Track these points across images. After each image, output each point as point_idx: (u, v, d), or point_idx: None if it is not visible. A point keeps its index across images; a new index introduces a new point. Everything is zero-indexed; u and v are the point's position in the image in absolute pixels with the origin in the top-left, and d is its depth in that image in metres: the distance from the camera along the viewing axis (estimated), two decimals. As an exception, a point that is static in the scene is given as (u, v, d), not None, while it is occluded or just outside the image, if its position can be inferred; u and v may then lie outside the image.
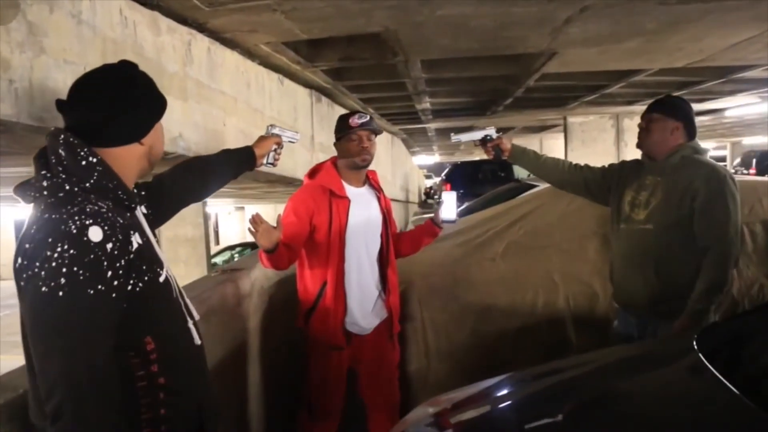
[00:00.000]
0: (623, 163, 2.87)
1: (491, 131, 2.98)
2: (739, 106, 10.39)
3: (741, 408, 1.47)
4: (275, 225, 2.30)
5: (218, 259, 14.81)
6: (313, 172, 2.71)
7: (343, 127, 2.62)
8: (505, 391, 2.06)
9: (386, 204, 2.80)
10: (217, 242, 23.95)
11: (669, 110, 2.60)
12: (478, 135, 3.00)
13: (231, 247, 17.18)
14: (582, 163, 2.99)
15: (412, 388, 3.17)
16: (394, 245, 2.81)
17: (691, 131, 2.60)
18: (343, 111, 7.80)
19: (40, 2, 2.15)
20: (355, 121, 2.62)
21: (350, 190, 2.65)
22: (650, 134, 2.61)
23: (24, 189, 1.35)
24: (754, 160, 17.93)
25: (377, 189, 2.79)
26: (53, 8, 2.23)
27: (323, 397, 2.65)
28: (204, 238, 8.99)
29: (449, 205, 2.77)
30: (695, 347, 1.82)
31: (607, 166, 2.93)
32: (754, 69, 6.40)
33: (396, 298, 2.78)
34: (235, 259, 13.55)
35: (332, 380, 2.63)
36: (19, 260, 1.26)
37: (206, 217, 10.57)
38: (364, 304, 2.66)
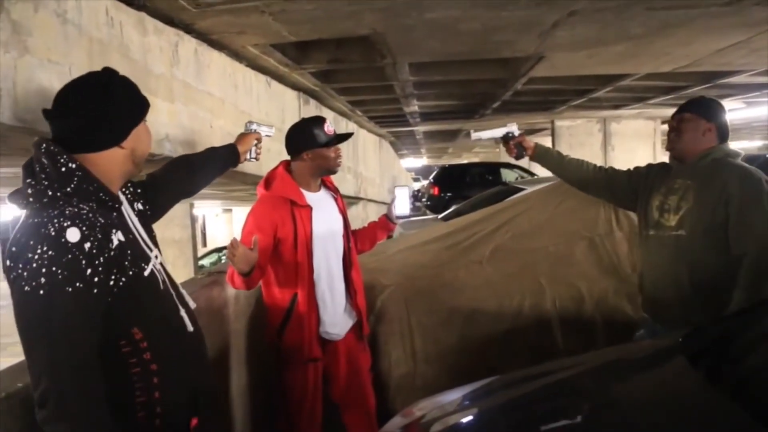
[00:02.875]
0: (650, 166, 2.73)
1: (513, 128, 2.89)
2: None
3: (726, 410, 1.48)
4: (251, 247, 2.22)
5: (205, 261, 14.75)
6: (267, 182, 2.59)
7: (319, 137, 2.53)
8: (487, 397, 2.05)
9: (343, 205, 2.76)
10: (204, 244, 23.80)
11: (702, 110, 2.47)
12: (499, 132, 2.91)
13: (218, 249, 17.07)
14: (607, 166, 2.89)
15: (400, 392, 3.15)
16: (354, 243, 2.78)
17: (723, 134, 2.47)
18: (332, 113, 7.83)
19: (24, 1, 2.13)
20: (330, 129, 2.56)
21: (309, 197, 2.57)
22: (681, 134, 2.47)
23: (16, 197, 1.43)
24: (739, 165, 18.07)
25: (333, 190, 2.74)
26: (38, 7, 2.20)
27: (303, 411, 2.59)
28: (191, 240, 8.94)
29: (402, 201, 2.79)
30: (681, 350, 1.82)
31: (633, 168, 2.79)
32: (740, 74, 6.47)
33: (362, 298, 2.74)
34: (222, 262, 13.50)
35: (311, 393, 2.58)
36: (7, 262, 1.35)
37: (193, 219, 10.51)
38: (336, 309, 2.62)
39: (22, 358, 1.75)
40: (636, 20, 3.99)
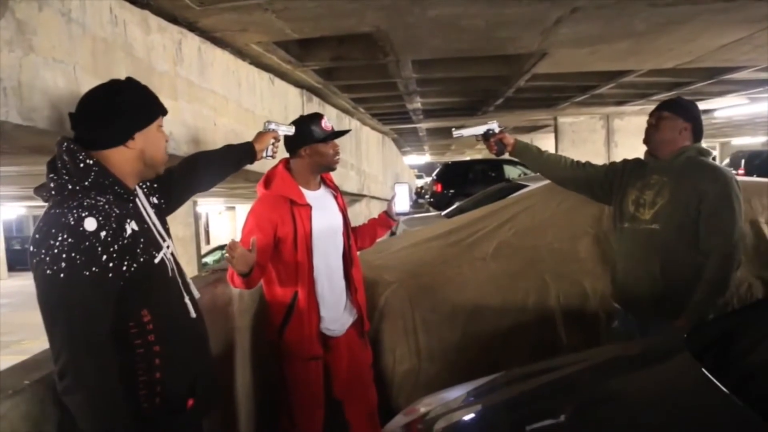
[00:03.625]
0: (625, 161, 2.83)
1: (494, 125, 2.91)
2: (728, 107, 10.47)
3: (730, 407, 1.48)
4: (249, 248, 2.22)
5: (209, 259, 14.78)
6: (267, 181, 2.60)
7: (315, 133, 2.54)
8: (491, 393, 2.06)
9: (343, 203, 2.76)
10: (208, 242, 23.86)
11: (679, 110, 2.60)
12: (480, 130, 2.93)
13: (221, 247, 17.09)
14: (584, 161, 2.95)
15: (404, 388, 3.15)
16: (354, 241, 2.79)
17: (697, 134, 2.60)
18: (335, 110, 7.82)
19: (29, 0, 2.13)
20: (327, 125, 2.56)
21: (309, 195, 2.57)
22: (659, 132, 2.60)
23: (40, 190, 1.59)
24: (742, 161, 18.04)
25: (333, 188, 2.74)
26: (42, 6, 2.21)
27: (305, 408, 2.60)
28: (194, 238, 8.93)
29: (402, 198, 2.81)
30: (685, 346, 1.83)
31: (609, 164, 2.90)
32: (743, 70, 6.46)
33: (362, 294, 2.74)
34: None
35: (313, 391, 2.59)
36: (31, 248, 1.49)
37: (197, 217, 10.53)
38: (336, 306, 2.63)
39: (24, 356, 1.80)
40: (639, 16, 3.98)
